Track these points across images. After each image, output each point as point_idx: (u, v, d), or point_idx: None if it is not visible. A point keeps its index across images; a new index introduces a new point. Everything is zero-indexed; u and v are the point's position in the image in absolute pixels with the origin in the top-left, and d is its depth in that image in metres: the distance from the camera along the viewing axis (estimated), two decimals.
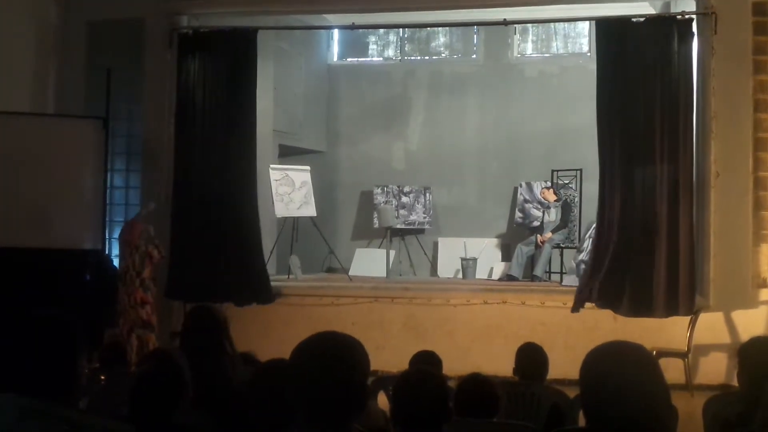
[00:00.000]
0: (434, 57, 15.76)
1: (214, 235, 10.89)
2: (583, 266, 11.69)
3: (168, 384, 3.68)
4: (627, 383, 2.51)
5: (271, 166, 12.82)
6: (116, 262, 10.49)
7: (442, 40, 15.69)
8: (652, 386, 2.53)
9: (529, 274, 12.69)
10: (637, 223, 10.04)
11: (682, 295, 9.80)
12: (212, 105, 11.02)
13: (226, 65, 11.04)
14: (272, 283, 11.32)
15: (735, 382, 4.09)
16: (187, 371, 3.73)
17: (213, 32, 11.14)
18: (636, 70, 10.13)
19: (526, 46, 15.28)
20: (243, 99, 10.98)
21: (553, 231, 12.78)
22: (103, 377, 5.77)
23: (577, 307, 10.13)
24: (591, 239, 11.94)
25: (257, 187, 11.21)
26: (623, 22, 10.27)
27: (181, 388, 3.70)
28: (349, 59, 15.94)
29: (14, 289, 9.12)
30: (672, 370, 9.26)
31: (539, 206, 13.64)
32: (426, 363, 5.47)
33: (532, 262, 12.83)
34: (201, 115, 11.03)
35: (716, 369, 9.84)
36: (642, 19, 10.29)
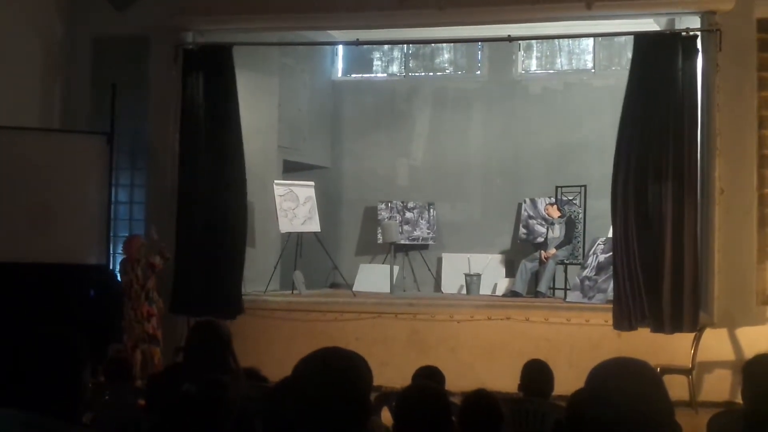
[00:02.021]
0: (438, 73, 15.77)
1: (211, 250, 10.97)
2: (587, 282, 11.68)
3: (215, 410, 3.63)
4: (630, 400, 2.50)
5: (276, 181, 12.84)
6: (120, 278, 10.50)
7: (446, 56, 15.70)
8: (655, 403, 2.52)
9: (533, 291, 12.65)
10: (648, 239, 10.07)
11: (686, 311, 9.80)
12: (206, 121, 11.14)
13: (213, 80, 11.22)
14: (275, 299, 11.40)
15: (739, 399, 4.07)
16: (235, 398, 3.67)
17: (202, 48, 11.28)
18: (650, 85, 10.18)
19: (530, 62, 15.28)
20: (225, 116, 11.16)
21: (557, 247, 12.76)
22: (107, 392, 5.77)
23: (621, 326, 10.14)
24: (595, 255, 11.94)
25: (247, 206, 11.38)
26: (662, 36, 10.38)
27: (227, 414, 3.65)
28: (353, 75, 15.96)
29: (18, 304, 9.13)
30: (676, 387, 9.24)
31: (543, 222, 13.64)
32: (429, 378, 5.48)
33: (536, 278, 12.80)
34: (201, 131, 11.14)
35: (720, 386, 9.82)
36: (683, 34, 10.34)
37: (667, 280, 9.90)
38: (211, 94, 11.17)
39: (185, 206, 11.05)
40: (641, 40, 10.49)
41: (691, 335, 9.79)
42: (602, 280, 11.51)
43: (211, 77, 11.21)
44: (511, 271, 13.64)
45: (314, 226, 13.17)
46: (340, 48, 15.46)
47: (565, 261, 12.94)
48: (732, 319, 9.98)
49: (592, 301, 11.32)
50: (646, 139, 10.15)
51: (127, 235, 11.27)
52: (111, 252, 10.98)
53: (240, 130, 11.24)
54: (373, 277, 13.61)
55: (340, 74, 15.88)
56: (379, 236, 14.19)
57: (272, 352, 10.03)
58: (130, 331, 9.84)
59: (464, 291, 13.47)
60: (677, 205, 9.92)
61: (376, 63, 15.97)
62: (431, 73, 15.78)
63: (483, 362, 10.26)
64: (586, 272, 11.91)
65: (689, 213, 9.91)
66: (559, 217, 13.06)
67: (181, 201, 11.06)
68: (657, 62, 10.18)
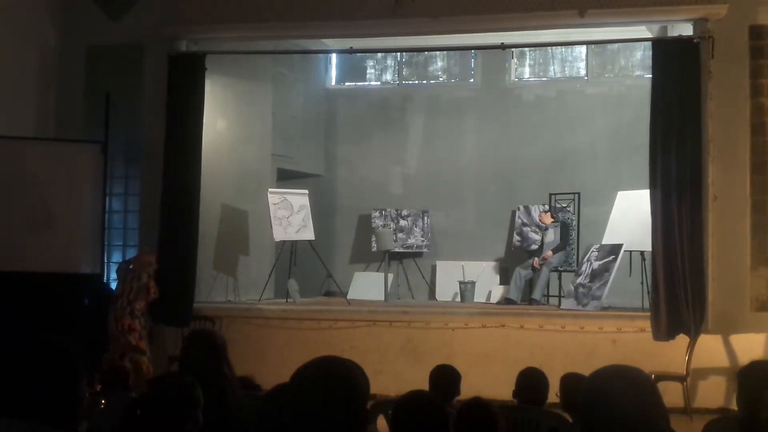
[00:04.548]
0: (432, 81, 15.78)
1: (179, 256, 11.01)
2: (581, 290, 11.68)
3: (180, 410, 3.64)
4: (626, 407, 2.51)
5: (270, 189, 12.82)
6: (113, 286, 10.48)
7: (439, 64, 15.72)
8: (650, 410, 2.53)
9: (528, 298, 12.65)
10: (658, 245, 10.15)
11: (689, 317, 9.86)
12: (178, 130, 11.14)
13: (186, 90, 11.23)
14: (269, 307, 11.44)
15: (734, 406, 4.09)
16: (200, 398, 3.69)
17: (180, 57, 11.31)
18: (671, 90, 10.27)
19: (523, 70, 15.30)
20: (189, 127, 11.17)
21: (554, 250, 12.71)
22: (103, 401, 5.76)
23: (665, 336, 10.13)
24: (589, 262, 11.95)
25: (198, 214, 11.25)
26: (682, 42, 10.40)
27: (192, 414, 3.66)
28: (347, 83, 15.96)
29: (13, 314, 9.11)
30: (671, 394, 9.25)
31: (537, 230, 13.63)
32: (444, 376, 5.61)
33: (530, 285, 12.80)
34: (180, 141, 11.14)
35: (715, 393, 9.83)
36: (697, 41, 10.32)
37: (662, 286, 9.96)
38: (183, 103, 11.16)
39: (165, 220, 11.09)
40: (659, 45, 10.53)
41: (686, 342, 9.80)
42: (596, 287, 11.50)
43: (185, 86, 11.21)
44: (505, 279, 13.63)
45: (308, 234, 13.15)
46: (334, 56, 15.48)
47: (559, 268, 12.94)
48: (726, 326, 9.99)
49: (587, 308, 11.31)
50: (664, 144, 10.21)
51: (121, 244, 11.30)
52: (105, 261, 10.97)
53: (200, 141, 11.21)
54: (368, 285, 13.59)
55: (333, 82, 15.89)
56: (374, 244, 14.17)
57: (267, 360, 10.02)
58: (115, 341, 9.80)
59: (459, 299, 13.45)
60: (677, 211, 9.99)
61: (370, 71, 15.98)
62: (425, 81, 15.80)
63: (478, 370, 10.23)
64: (580, 279, 11.90)
65: (692, 219, 9.97)
66: (552, 222, 13.03)
67: (163, 215, 11.09)
68: (676, 68, 10.23)
